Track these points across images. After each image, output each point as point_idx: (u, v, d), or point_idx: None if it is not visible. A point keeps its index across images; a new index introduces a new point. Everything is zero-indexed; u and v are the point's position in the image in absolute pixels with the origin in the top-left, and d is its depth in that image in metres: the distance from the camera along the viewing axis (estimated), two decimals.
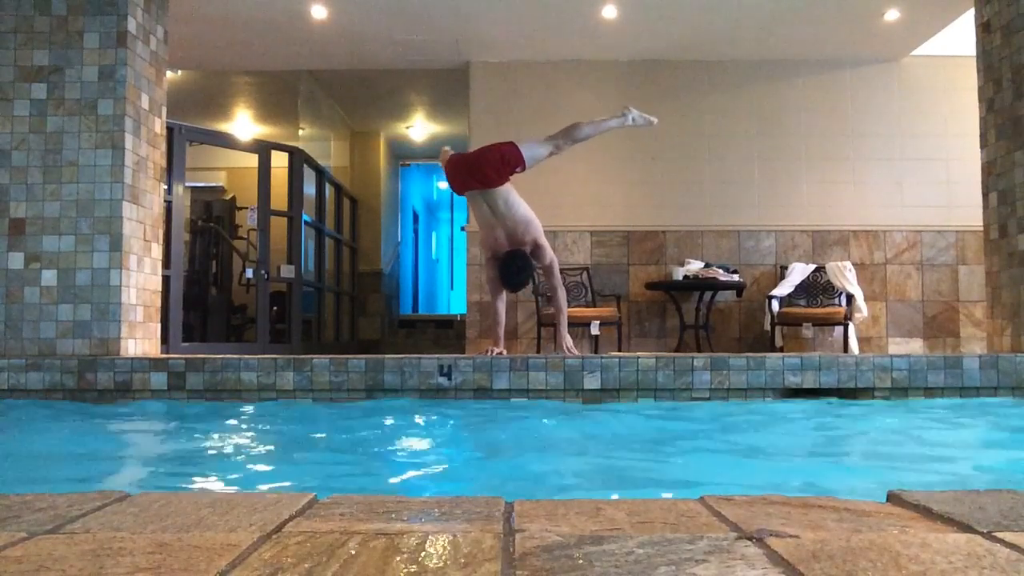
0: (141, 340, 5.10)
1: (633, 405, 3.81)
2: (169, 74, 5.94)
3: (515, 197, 4.55)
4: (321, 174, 8.22)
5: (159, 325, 5.42)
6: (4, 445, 2.83)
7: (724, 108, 7.40)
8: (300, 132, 8.35)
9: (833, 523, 0.95)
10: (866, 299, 6.94)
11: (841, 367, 3.97)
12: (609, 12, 6.46)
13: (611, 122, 4.83)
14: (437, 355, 4.19)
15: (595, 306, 6.88)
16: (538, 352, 6.73)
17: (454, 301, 15.26)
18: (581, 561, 0.80)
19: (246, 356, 4.20)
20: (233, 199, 8.58)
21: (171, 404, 3.88)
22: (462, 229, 7.96)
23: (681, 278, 6.92)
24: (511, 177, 4.56)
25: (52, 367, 4.09)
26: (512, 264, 4.53)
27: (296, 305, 7.41)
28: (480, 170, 4.51)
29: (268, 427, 3.42)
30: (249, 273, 7.56)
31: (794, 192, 7.35)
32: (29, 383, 4.06)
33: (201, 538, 0.88)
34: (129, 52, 4.98)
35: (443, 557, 0.82)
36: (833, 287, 6.87)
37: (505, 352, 4.69)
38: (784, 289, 6.90)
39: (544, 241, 4.62)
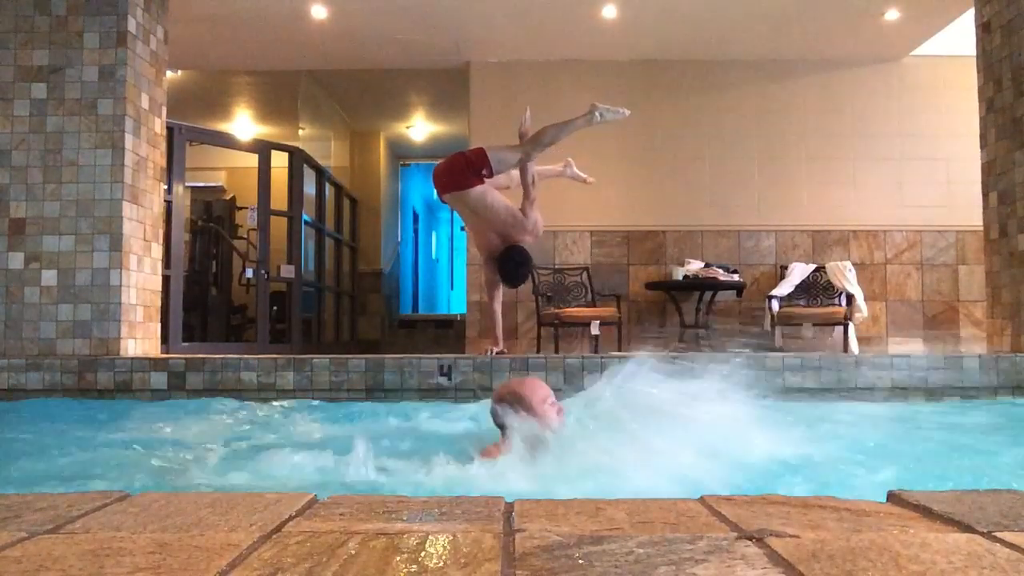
0: (141, 340, 5.10)
1: None
2: (169, 74, 5.94)
3: (493, 196, 4.54)
4: (321, 174, 8.22)
5: (159, 325, 5.42)
6: (4, 444, 2.83)
7: (724, 108, 7.40)
8: (300, 132, 8.35)
9: (833, 523, 0.95)
10: (866, 299, 6.94)
11: (841, 367, 3.97)
12: (609, 12, 6.46)
13: (578, 122, 4.64)
14: (437, 355, 4.20)
15: (595, 306, 6.88)
16: (538, 352, 6.72)
17: (454, 301, 15.25)
18: (581, 561, 0.80)
19: (246, 356, 4.20)
20: (233, 199, 8.58)
21: (171, 404, 3.88)
22: (462, 229, 7.95)
23: (681, 278, 6.92)
24: (485, 180, 4.54)
25: (52, 367, 4.09)
26: (510, 260, 4.54)
27: (296, 305, 7.41)
28: (449, 176, 4.53)
29: (268, 427, 3.41)
30: (249, 273, 7.56)
31: (794, 192, 7.34)
32: (29, 383, 4.07)
33: (201, 538, 0.88)
34: (129, 52, 4.98)
35: (443, 557, 0.82)
36: (833, 287, 6.86)
37: (506, 351, 4.69)
38: (784, 289, 6.89)
39: (525, 220, 4.53)
